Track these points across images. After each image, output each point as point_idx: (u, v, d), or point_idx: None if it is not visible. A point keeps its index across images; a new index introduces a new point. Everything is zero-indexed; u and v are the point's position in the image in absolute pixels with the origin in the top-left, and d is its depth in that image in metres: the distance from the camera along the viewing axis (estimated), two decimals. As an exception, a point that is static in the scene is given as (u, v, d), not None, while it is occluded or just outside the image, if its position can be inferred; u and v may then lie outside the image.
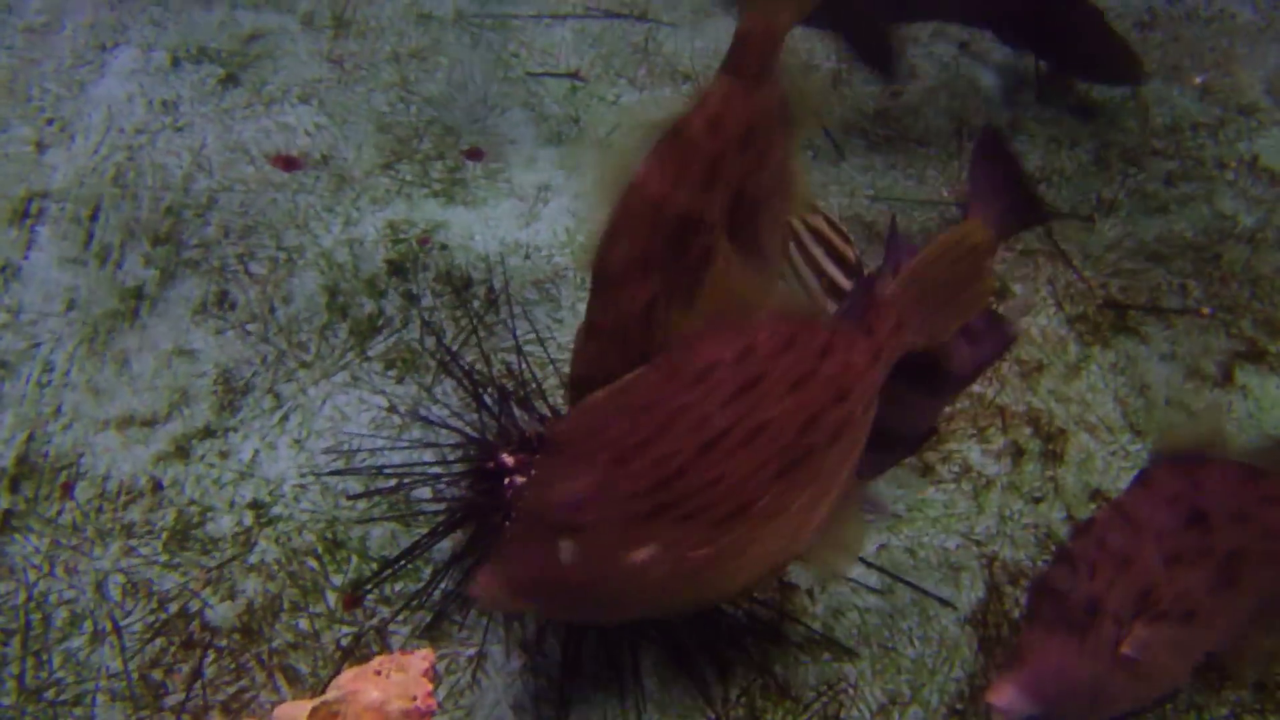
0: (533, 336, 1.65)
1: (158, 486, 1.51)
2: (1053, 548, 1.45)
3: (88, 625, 1.38)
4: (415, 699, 1.24)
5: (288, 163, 1.89)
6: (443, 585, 1.40)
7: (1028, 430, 1.58)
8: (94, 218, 1.80)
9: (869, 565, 1.44)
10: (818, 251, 1.44)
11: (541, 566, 1.04)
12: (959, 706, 1.35)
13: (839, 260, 1.45)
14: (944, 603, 1.42)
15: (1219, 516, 1.14)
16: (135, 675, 1.35)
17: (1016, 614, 1.42)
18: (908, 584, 1.43)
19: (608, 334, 1.16)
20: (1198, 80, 2.11)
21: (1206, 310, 1.71)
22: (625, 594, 1.05)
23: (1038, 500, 1.51)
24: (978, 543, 1.47)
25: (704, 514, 1.01)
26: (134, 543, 1.45)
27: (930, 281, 1.08)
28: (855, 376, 1.05)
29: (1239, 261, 1.78)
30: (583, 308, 1.69)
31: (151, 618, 1.39)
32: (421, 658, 1.27)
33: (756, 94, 1.13)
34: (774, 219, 1.20)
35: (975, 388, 1.61)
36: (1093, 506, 1.51)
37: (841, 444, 1.05)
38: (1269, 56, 2.14)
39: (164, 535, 1.46)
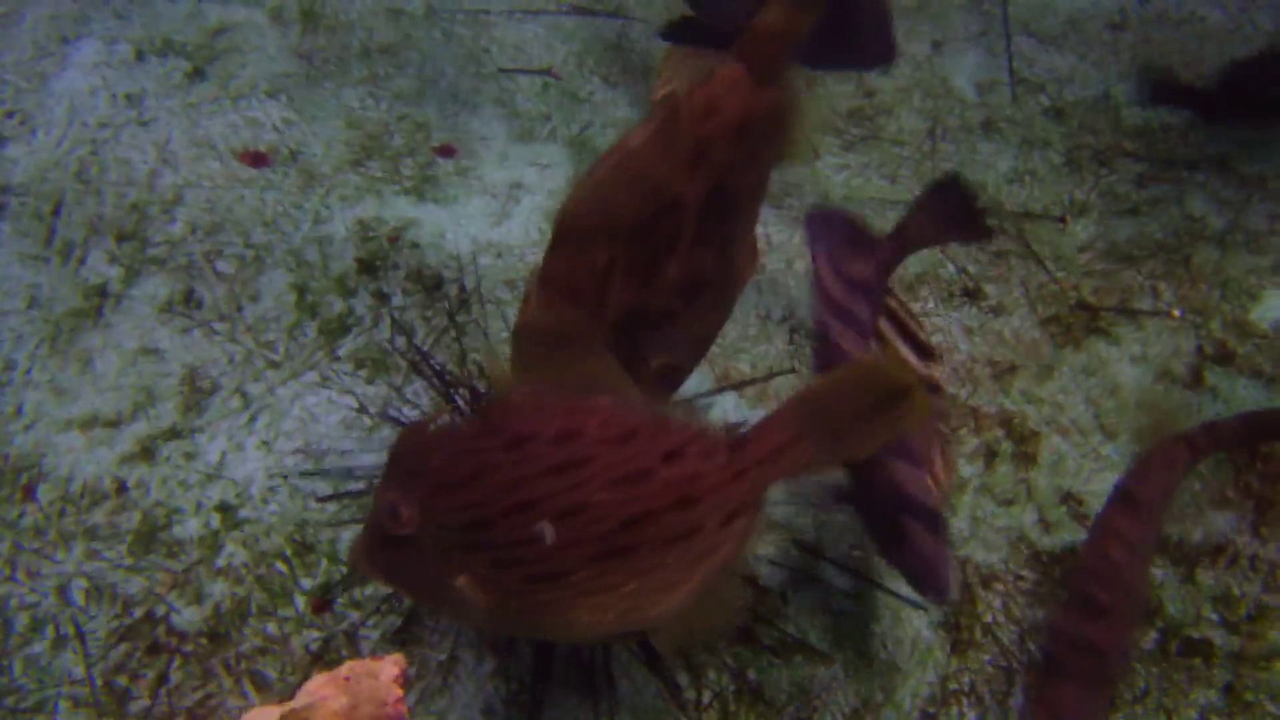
0: (506, 336, 1.64)
1: (122, 488, 1.48)
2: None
3: (50, 630, 1.36)
4: (385, 705, 1.23)
5: (255, 159, 1.86)
6: (413, 589, 1.39)
7: (1000, 432, 1.58)
8: (56, 213, 1.77)
9: (842, 568, 1.44)
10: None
11: (385, 560, 1.07)
12: (931, 710, 1.34)
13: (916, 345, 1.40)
14: (917, 606, 1.42)
15: None
16: (99, 681, 1.33)
17: (989, 617, 1.42)
18: (881, 587, 1.43)
19: (558, 288, 1.13)
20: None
21: (1176, 312, 1.72)
22: (457, 609, 1.08)
23: (1010, 503, 1.51)
24: (950, 545, 1.47)
25: (516, 567, 1.03)
26: (98, 546, 1.43)
27: (830, 410, 1.04)
28: (705, 488, 1.02)
29: (1209, 263, 1.78)
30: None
31: (116, 622, 1.37)
32: (392, 663, 1.26)
33: (761, 90, 1.11)
34: (748, 224, 1.18)
35: (949, 389, 1.61)
36: (1063, 509, 1.51)
37: (688, 549, 1.03)
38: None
39: (129, 538, 1.44)
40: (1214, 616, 1.42)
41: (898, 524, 1.20)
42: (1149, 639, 1.39)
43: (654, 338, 1.14)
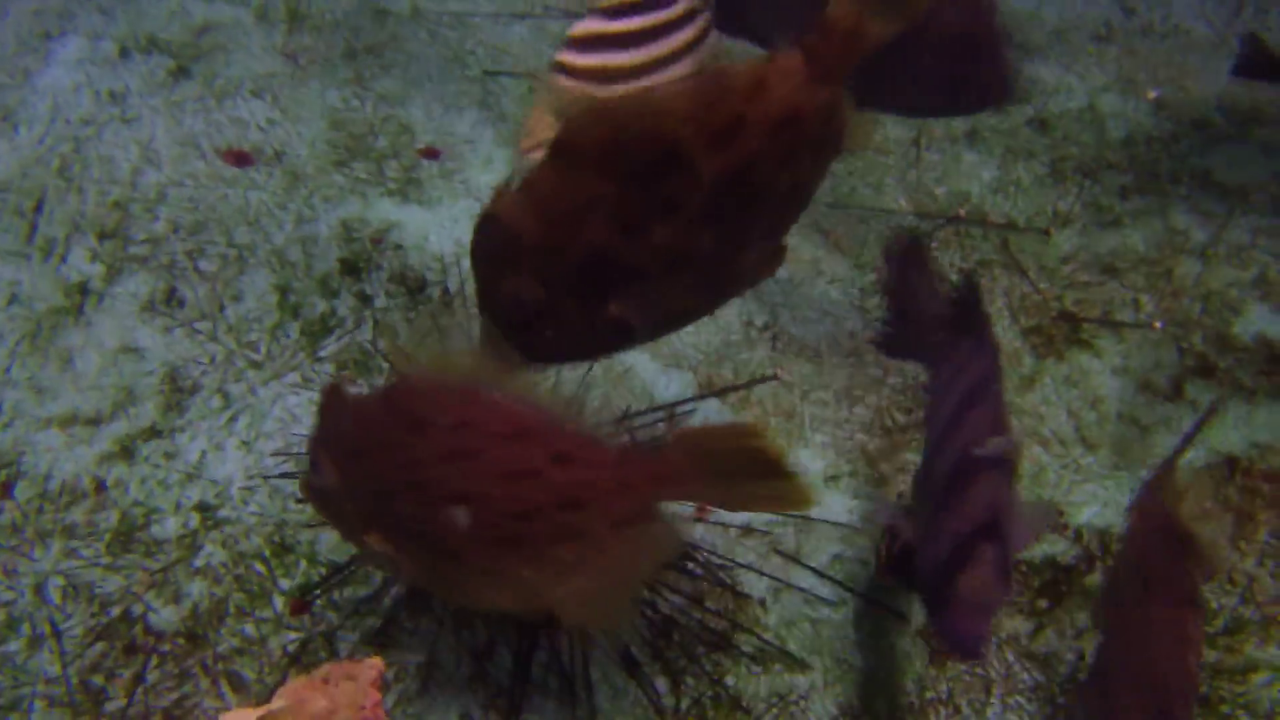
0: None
1: (101, 487, 1.47)
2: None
3: (26, 629, 1.35)
4: (363, 708, 1.23)
5: (239, 158, 1.86)
6: (393, 591, 1.38)
7: (981, 442, 1.58)
8: (38, 210, 1.76)
9: (822, 576, 1.44)
10: None
11: (317, 497, 1.13)
12: (908, 719, 1.35)
13: None
14: (896, 615, 1.42)
15: None
16: (75, 680, 1.32)
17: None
18: (861, 596, 1.43)
19: (534, 200, 1.07)
20: (1152, 94, 2.13)
21: (1158, 324, 1.73)
22: (374, 558, 1.14)
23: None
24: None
25: (418, 539, 1.07)
26: (75, 544, 1.42)
27: (708, 454, 1.05)
28: (592, 495, 1.04)
29: (1190, 276, 1.79)
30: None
31: (93, 621, 1.36)
32: (370, 666, 1.26)
33: (816, 88, 1.05)
34: (774, 225, 1.14)
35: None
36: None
37: (577, 547, 1.05)
38: (1222, 72, 2.17)
39: (107, 537, 1.43)
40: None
41: (965, 553, 1.15)
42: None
43: (617, 286, 1.09)
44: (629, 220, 1.05)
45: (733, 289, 1.18)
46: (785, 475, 1.04)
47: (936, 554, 1.16)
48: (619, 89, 1.42)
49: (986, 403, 1.24)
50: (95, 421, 1.53)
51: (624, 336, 1.14)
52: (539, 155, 1.49)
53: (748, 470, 1.04)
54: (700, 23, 1.52)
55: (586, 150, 1.05)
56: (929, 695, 1.36)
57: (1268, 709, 1.36)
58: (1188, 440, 1.28)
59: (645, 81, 1.45)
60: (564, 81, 1.49)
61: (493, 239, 1.09)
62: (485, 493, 1.03)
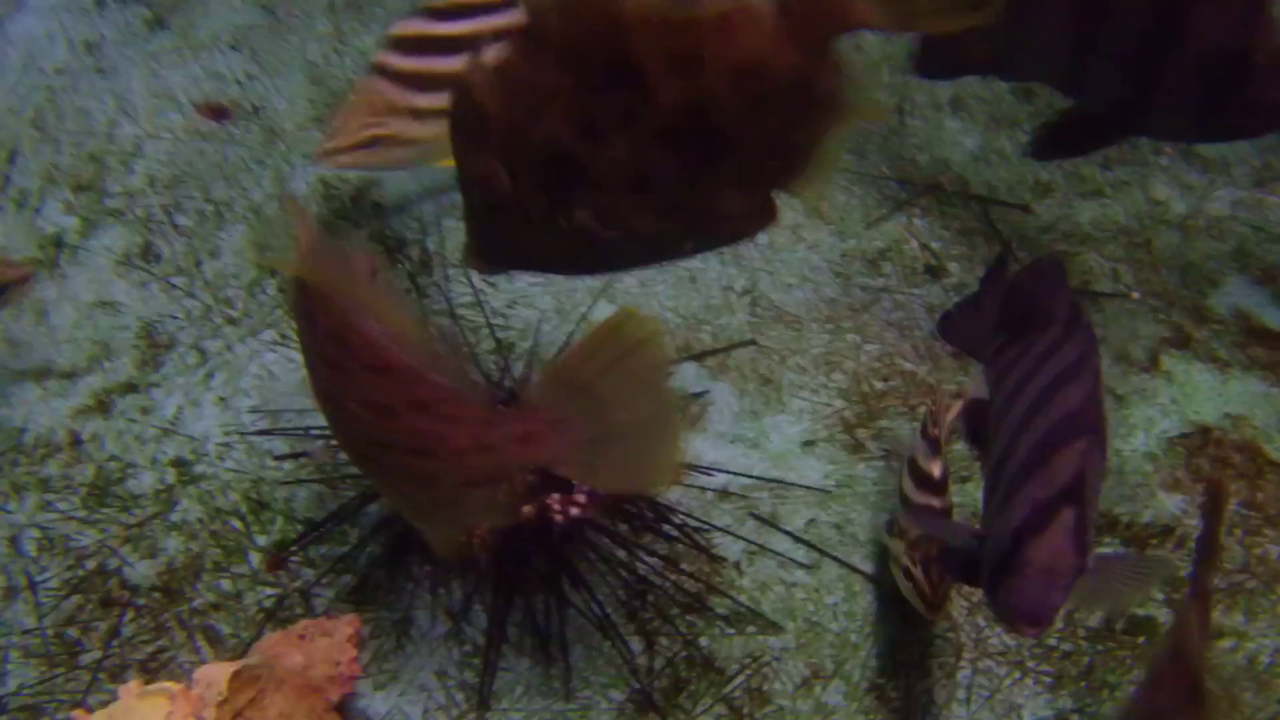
0: (467, 299, 1.63)
1: (76, 441, 1.47)
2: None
3: (1, 580, 1.35)
4: (340, 664, 1.23)
5: (217, 112, 1.84)
6: (369, 549, 1.39)
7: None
8: (11, 161, 1.74)
9: (797, 540, 1.45)
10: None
11: None
12: (880, 681, 1.36)
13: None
14: (869, 578, 1.43)
15: None
16: (50, 632, 1.32)
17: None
18: (835, 559, 1.44)
19: (503, 79, 1.03)
20: (1134, 65, 2.13)
21: (1135, 294, 1.74)
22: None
23: (965, 479, 1.52)
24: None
25: (359, 438, 1.06)
26: (51, 497, 1.42)
27: (582, 374, 0.99)
28: (445, 449, 1.02)
29: (1170, 248, 1.80)
30: (517, 271, 1.68)
31: (68, 574, 1.36)
32: (347, 623, 1.26)
33: (788, 47, 1.01)
34: (750, 178, 1.12)
35: (909, 365, 1.62)
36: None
37: (428, 492, 1.05)
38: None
39: (82, 490, 1.43)
40: (1159, 595, 1.44)
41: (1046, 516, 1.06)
42: (1095, 616, 1.42)
43: (581, 190, 1.06)
44: (587, 120, 1.03)
45: (709, 233, 1.16)
46: (652, 331, 0.97)
47: (1009, 524, 1.07)
48: (438, 99, 1.28)
49: (1080, 381, 1.15)
50: (70, 375, 1.52)
51: (591, 251, 1.12)
52: (344, 161, 1.43)
53: (613, 360, 0.98)
54: None
55: (548, 39, 1.02)
56: (900, 658, 1.38)
57: (1231, 674, 1.39)
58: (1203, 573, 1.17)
59: None
60: (380, 84, 1.38)
61: (464, 111, 1.08)
62: (351, 407, 1.02)
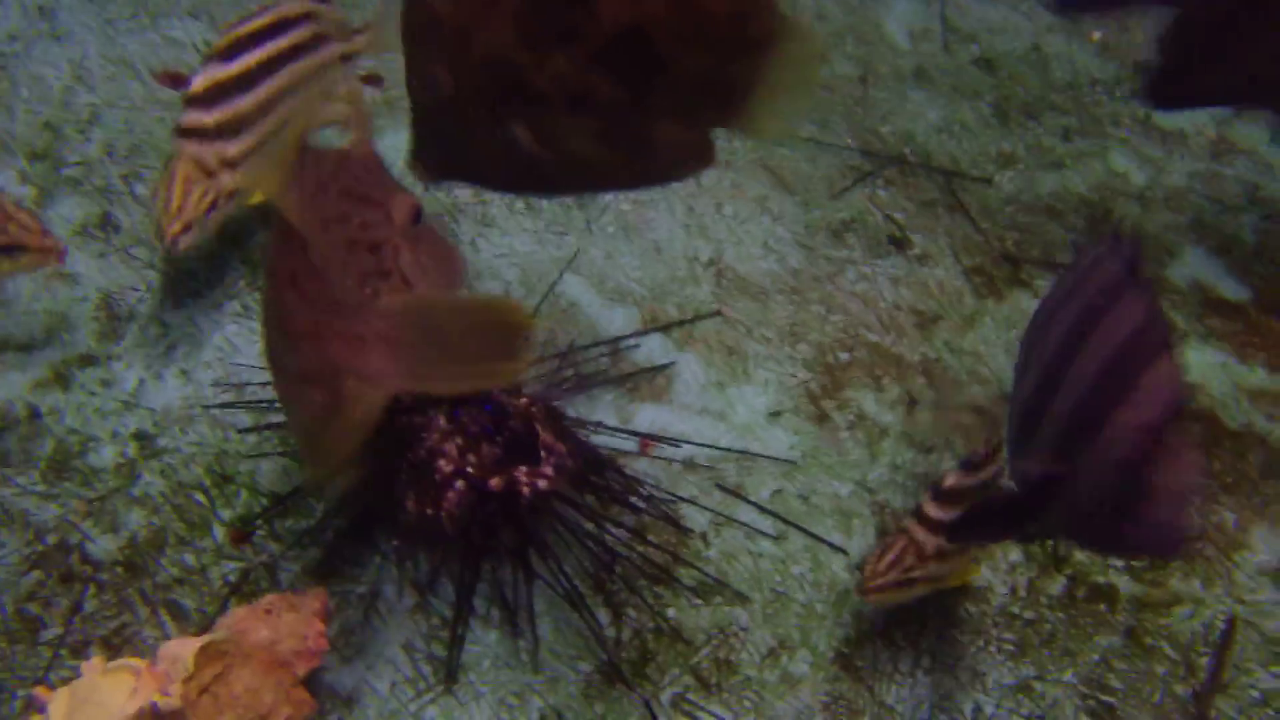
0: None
1: (35, 414, 1.45)
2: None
3: (-41, 558, 1.33)
4: (307, 638, 1.23)
5: (176, 80, 1.80)
6: (335, 522, 1.38)
7: (922, 380, 1.60)
8: (-35, 129, 1.71)
9: (763, 511, 1.46)
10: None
11: None
12: (845, 650, 1.37)
13: None
14: (835, 548, 1.44)
15: None
16: (10, 608, 1.31)
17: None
18: (800, 529, 1.45)
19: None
20: (1096, 36, 2.14)
21: (1095, 266, 1.75)
22: None
23: (929, 450, 1.54)
24: (870, 490, 1.49)
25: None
26: (9, 472, 1.40)
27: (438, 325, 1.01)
28: (290, 326, 1.05)
29: (1129, 218, 1.82)
30: (483, 244, 1.67)
31: (28, 550, 1.35)
32: (314, 597, 1.26)
33: None
34: (688, 111, 1.12)
35: (873, 336, 1.63)
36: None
37: (302, 378, 1.06)
38: (1164, 14, 2.18)
39: (41, 464, 1.41)
40: (1119, 564, 1.46)
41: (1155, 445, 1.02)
42: (1058, 584, 1.44)
43: (520, 105, 1.06)
44: (532, 31, 1.04)
45: (644, 166, 1.16)
46: (521, 329, 0.99)
47: (1111, 454, 1.03)
48: (252, 136, 1.25)
49: (1136, 295, 1.08)
50: (28, 347, 1.50)
51: (528, 170, 1.12)
52: (190, 238, 1.42)
53: (471, 335, 1.00)
54: (332, 47, 1.40)
55: None
56: (865, 628, 1.39)
57: (1188, 640, 1.41)
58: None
59: (277, 114, 1.29)
60: (195, 147, 1.28)
61: (415, 12, 1.08)
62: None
